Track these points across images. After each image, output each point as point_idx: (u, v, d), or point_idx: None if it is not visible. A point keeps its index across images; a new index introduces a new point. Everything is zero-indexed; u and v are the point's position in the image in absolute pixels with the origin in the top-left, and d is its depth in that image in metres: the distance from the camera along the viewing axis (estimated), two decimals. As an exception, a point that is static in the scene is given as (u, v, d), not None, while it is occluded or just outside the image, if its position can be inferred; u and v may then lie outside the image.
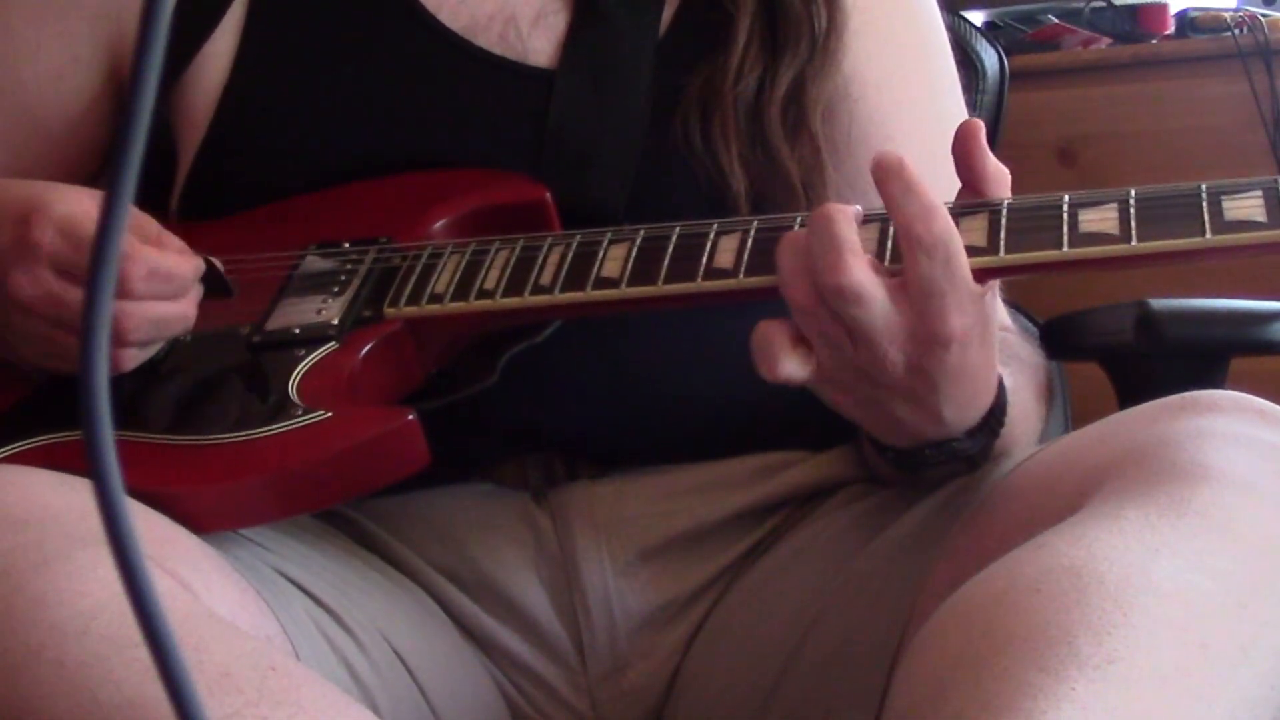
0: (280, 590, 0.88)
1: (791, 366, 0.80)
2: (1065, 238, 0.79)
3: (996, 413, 0.87)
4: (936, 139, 1.07)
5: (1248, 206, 0.77)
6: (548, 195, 0.95)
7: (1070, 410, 1.55)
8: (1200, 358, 1.20)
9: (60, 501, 0.74)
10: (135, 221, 0.87)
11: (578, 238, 0.89)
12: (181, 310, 0.86)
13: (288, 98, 1.00)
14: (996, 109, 1.46)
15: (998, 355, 0.86)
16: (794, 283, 0.78)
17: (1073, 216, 0.80)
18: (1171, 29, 2.19)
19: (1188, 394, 0.82)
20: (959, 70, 1.13)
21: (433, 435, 0.84)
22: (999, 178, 0.83)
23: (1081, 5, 2.23)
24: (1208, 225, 0.77)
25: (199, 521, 0.81)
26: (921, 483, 0.93)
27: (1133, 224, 0.78)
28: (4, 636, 0.68)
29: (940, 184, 1.05)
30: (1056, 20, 2.23)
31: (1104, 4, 2.22)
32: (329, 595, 0.91)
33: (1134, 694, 0.65)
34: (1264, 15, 2.08)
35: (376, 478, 0.85)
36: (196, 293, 0.88)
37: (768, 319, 0.80)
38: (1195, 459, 0.75)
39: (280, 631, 0.83)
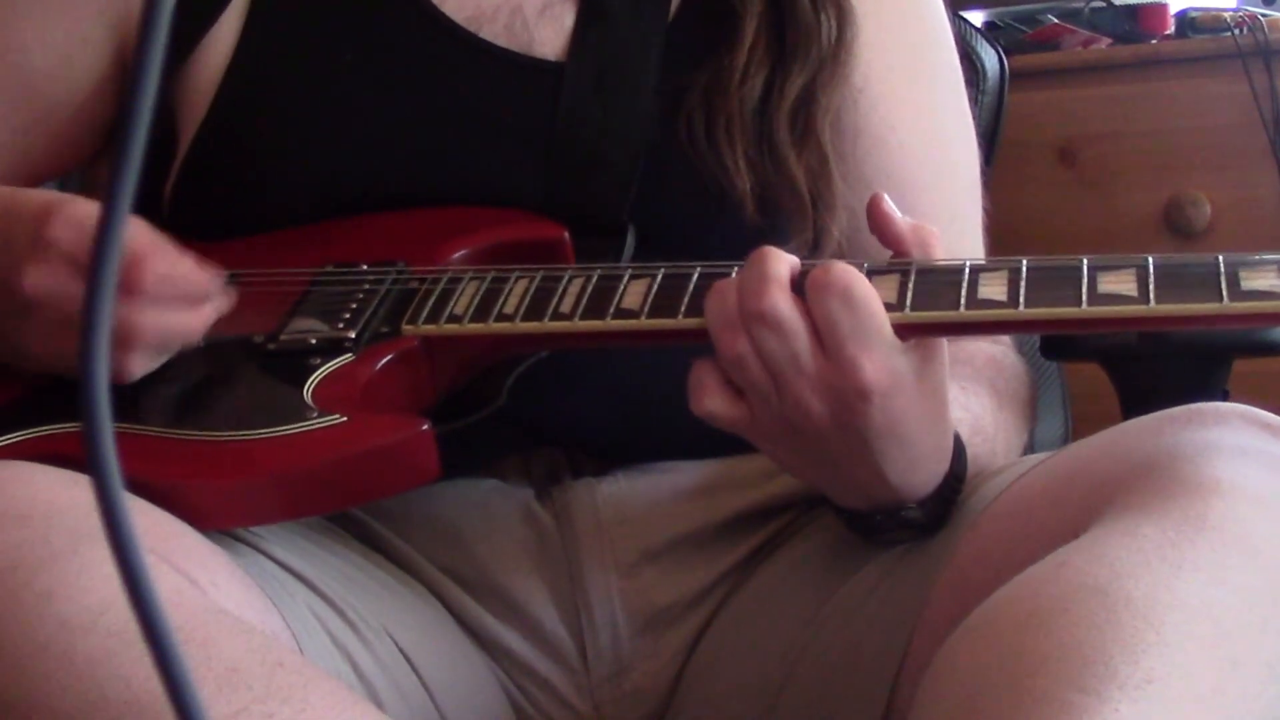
0: (284, 585, 0.88)
1: (718, 402, 0.81)
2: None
3: (952, 481, 0.87)
4: (937, 147, 1.08)
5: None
6: (565, 235, 0.95)
7: (1070, 410, 1.55)
8: (1202, 359, 1.20)
9: (64, 497, 0.74)
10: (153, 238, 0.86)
11: (598, 271, 0.89)
12: (189, 322, 0.86)
13: (287, 85, 1.00)
14: (996, 109, 1.46)
15: (952, 409, 0.86)
16: (719, 324, 0.80)
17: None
18: (1171, 29, 2.18)
19: (1192, 406, 0.81)
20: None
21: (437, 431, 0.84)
22: (920, 238, 0.84)
23: (1081, 5, 2.23)
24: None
25: (204, 517, 0.81)
26: (876, 545, 0.93)
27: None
28: (11, 631, 0.68)
29: (940, 189, 1.06)
30: (1056, 20, 2.22)
31: (1104, 4, 2.21)
32: (333, 590, 0.91)
33: (1176, 714, 0.64)
34: (1264, 15, 2.07)
35: (385, 486, 0.86)
36: (211, 309, 0.88)
37: (704, 356, 0.81)
38: (1206, 473, 0.74)
39: (284, 627, 0.83)
